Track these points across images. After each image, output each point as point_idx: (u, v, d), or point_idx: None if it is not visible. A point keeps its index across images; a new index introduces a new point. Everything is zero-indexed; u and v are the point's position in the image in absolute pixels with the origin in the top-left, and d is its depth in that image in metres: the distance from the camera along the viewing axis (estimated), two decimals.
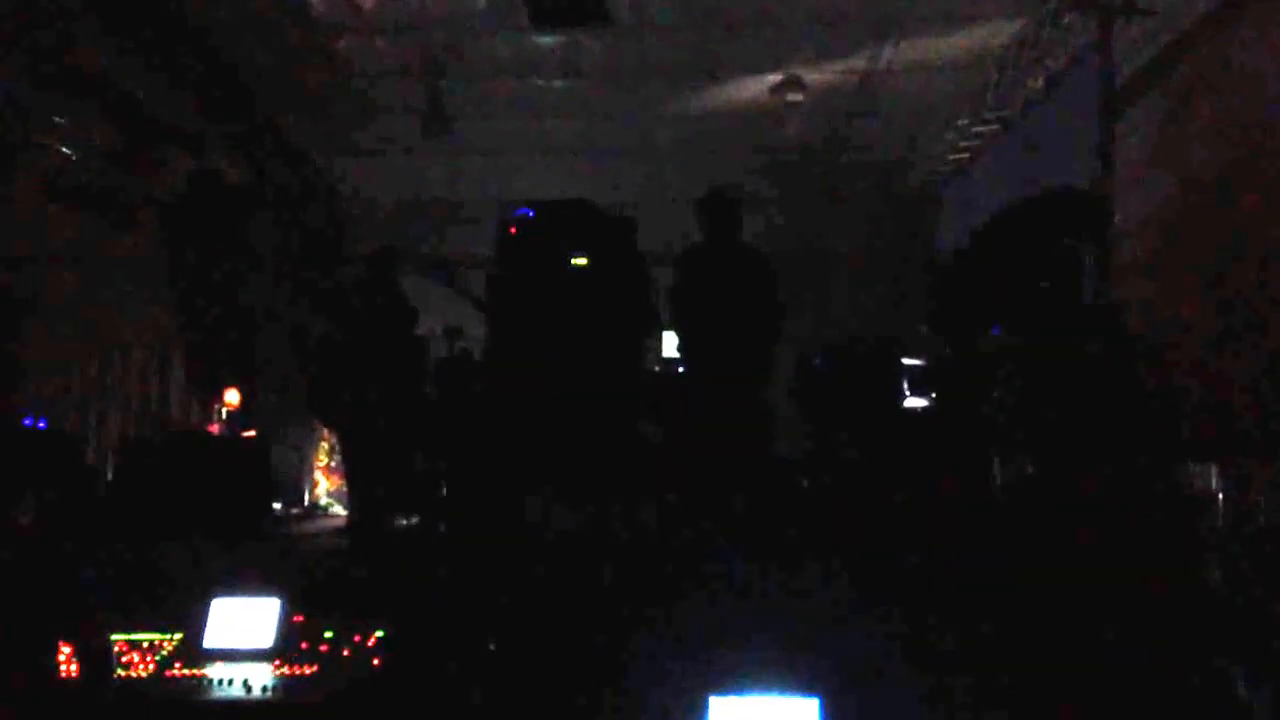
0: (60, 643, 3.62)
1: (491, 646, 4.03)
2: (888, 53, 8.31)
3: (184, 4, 7.68)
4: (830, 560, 4.58)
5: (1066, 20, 7.35)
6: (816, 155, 10.23)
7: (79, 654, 3.63)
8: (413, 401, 7.00)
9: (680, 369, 6.85)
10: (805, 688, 3.34)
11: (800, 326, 7.12)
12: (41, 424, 5.63)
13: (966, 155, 9.58)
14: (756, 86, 8.99)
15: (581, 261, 6.26)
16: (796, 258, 9.75)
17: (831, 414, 6.40)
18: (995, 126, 8.84)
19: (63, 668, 3.63)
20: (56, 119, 7.68)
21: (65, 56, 7.33)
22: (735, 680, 3.37)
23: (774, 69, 8.75)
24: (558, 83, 9.12)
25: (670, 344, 7.23)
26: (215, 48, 8.32)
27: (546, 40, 8.35)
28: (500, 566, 4.56)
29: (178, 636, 3.98)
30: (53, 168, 7.68)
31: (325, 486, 9.40)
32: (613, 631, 3.96)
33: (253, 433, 7.13)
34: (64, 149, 7.75)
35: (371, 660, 3.88)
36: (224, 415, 7.20)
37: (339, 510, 7.18)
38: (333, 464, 9.02)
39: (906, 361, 6.42)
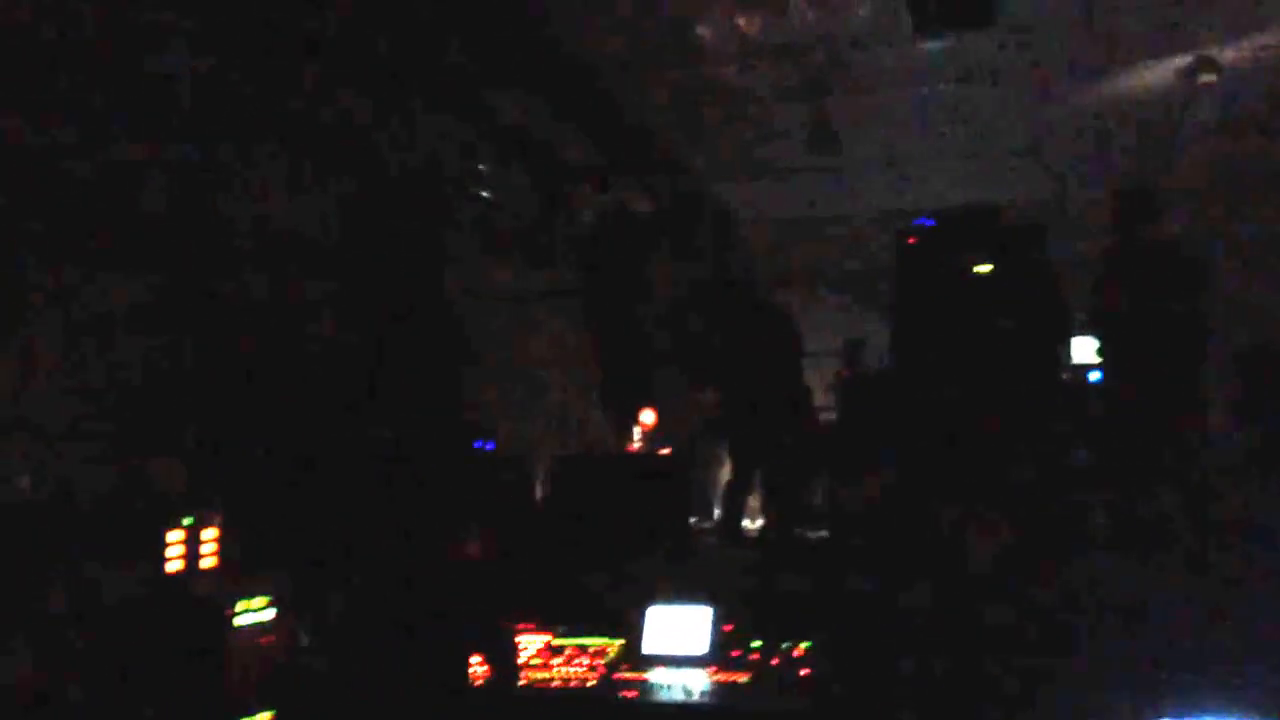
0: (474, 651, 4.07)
1: (912, 665, 4.01)
2: None
3: (583, 50, 8.19)
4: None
5: None
6: (1235, 141, 9.32)
7: (489, 660, 4.05)
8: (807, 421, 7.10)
9: (1092, 375, 6.50)
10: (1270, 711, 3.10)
11: (1233, 324, 6.54)
12: (490, 446, 6.09)
13: None
14: (1163, 71, 8.33)
15: (986, 269, 6.11)
16: (1221, 253, 8.96)
17: None
18: None
19: (474, 672, 4.08)
20: (482, 169, 8.45)
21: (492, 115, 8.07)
22: (1188, 705, 3.18)
23: (1182, 51, 8.08)
24: (945, 87, 8.91)
25: (1080, 350, 6.88)
26: (613, 89, 8.85)
27: (932, 46, 8.18)
28: (915, 582, 4.53)
29: (619, 642, 4.30)
30: (482, 215, 8.48)
31: None
32: (1047, 656, 3.84)
33: (668, 450, 7.51)
34: (490, 195, 8.54)
35: (799, 670, 3.99)
36: (640, 435, 7.63)
37: (748, 524, 7.39)
38: None
39: None
